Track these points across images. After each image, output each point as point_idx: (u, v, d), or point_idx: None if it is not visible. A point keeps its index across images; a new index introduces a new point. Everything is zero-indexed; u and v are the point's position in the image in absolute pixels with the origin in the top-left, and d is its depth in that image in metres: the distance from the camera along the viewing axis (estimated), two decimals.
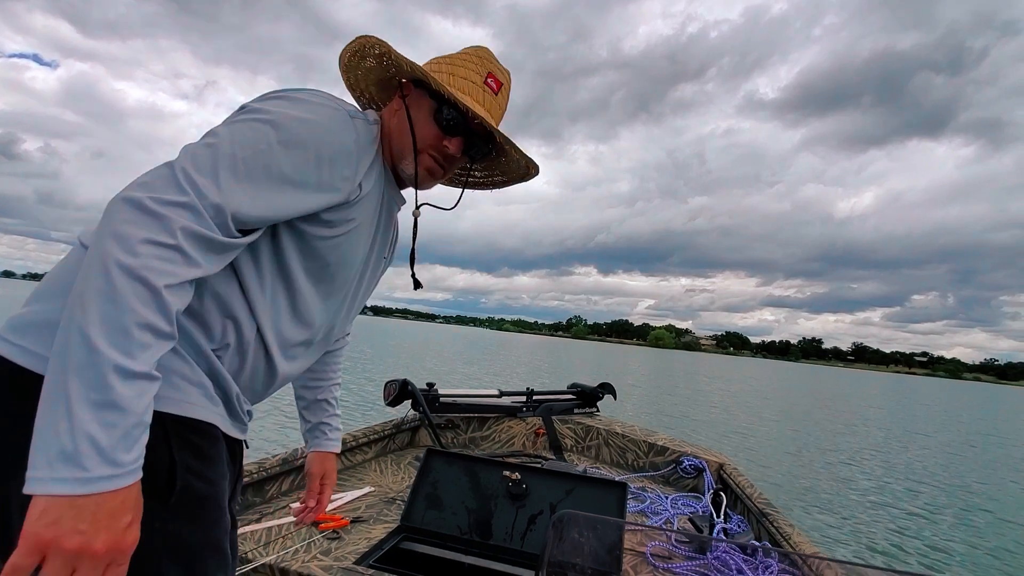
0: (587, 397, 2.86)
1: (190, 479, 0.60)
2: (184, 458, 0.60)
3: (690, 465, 2.14)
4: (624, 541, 1.35)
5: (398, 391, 2.24)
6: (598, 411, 2.89)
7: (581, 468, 2.21)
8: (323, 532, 1.36)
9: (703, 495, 1.94)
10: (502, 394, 2.66)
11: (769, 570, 1.28)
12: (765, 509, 1.59)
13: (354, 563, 1.20)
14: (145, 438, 0.52)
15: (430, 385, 2.41)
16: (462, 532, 1.44)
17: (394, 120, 0.81)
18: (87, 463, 0.47)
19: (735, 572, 1.28)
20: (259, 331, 0.69)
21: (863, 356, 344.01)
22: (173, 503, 0.59)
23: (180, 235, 0.54)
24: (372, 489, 1.74)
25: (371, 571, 1.17)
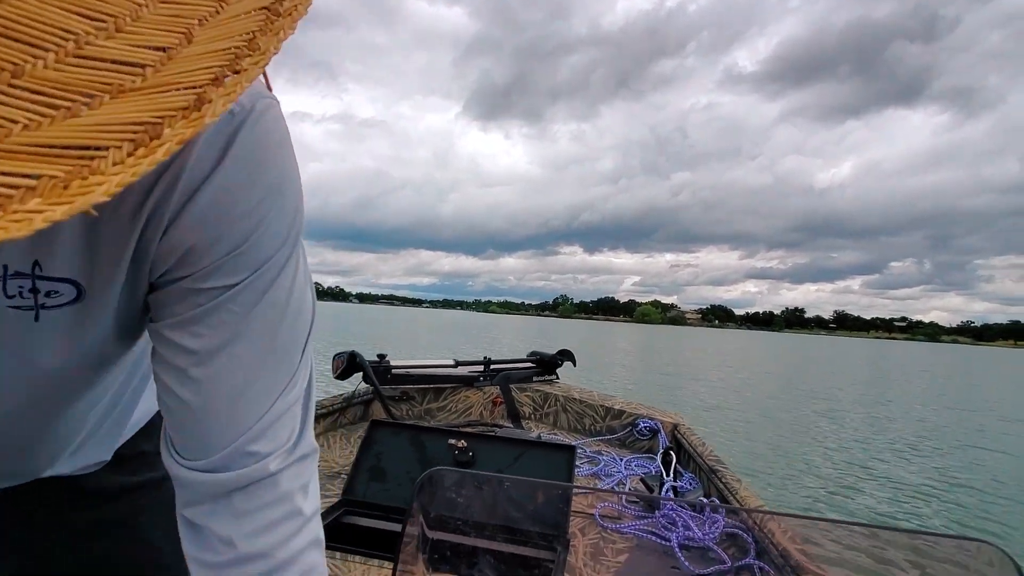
0: (546, 365, 2.83)
1: None
2: None
3: (645, 427, 2.14)
4: (572, 503, 1.33)
5: (347, 363, 2.15)
6: (557, 378, 2.87)
7: (536, 434, 2.19)
8: None
9: (656, 455, 1.94)
10: (458, 364, 2.60)
11: (716, 525, 1.27)
12: (715, 466, 1.60)
13: None
14: None
15: (381, 356, 2.33)
16: (407, 504, 1.39)
17: None
18: None
19: (682, 528, 1.27)
20: None
21: (844, 323, 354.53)
22: None
23: None
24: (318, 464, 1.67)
25: None
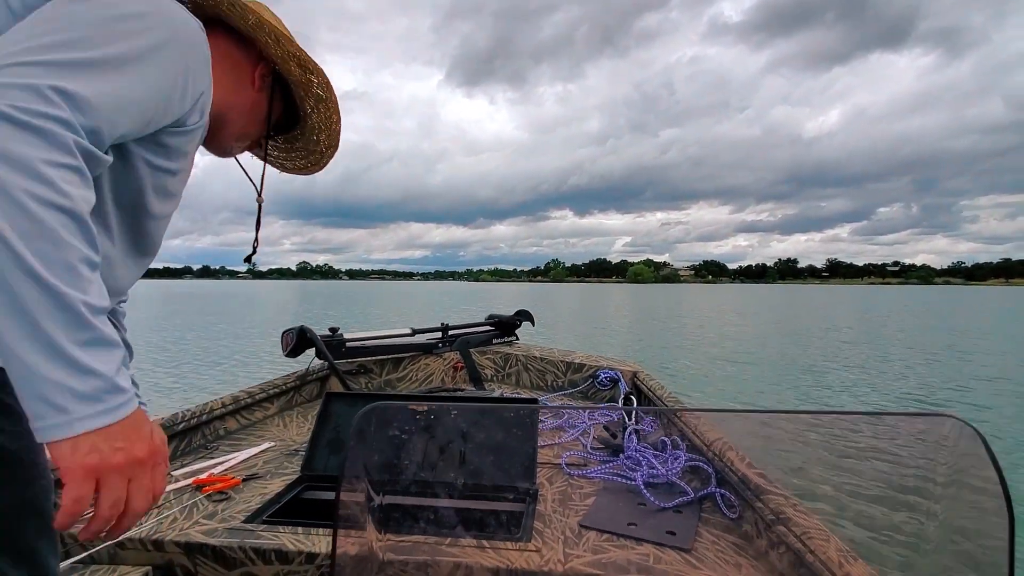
0: (505, 327, 2.82)
1: None
2: None
3: (606, 377, 2.17)
4: (539, 455, 1.33)
5: (296, 340, 2.06)
6: (517, 339, 2.87)
7: (499, 393, 2.19)
8: (208, 495, 1.22)
9: (618, 407, 1.98)
10: (415, 332, 2.55)
11: (677, 460, 1.30)
12: (674, 406, 1.64)
13: (243, 521, 1.09)
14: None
15: (333, 330, 2.25)
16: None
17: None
18: (104, 397, 0.49)
19: (646, 467, 1.29)
20: None
21: (837, 271, 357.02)
22: None
23: (77, 153, 0.49)
24: (272, 444, 1.61)
25: (263, 526, 1.06)
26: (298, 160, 1.02)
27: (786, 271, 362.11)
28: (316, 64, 0.85)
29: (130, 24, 0.55)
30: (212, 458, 1.47)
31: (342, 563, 0.53)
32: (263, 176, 0.91)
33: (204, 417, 1.59)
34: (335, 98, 0.91)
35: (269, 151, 0.95)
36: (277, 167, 1.03)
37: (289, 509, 1.23)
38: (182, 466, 1.40)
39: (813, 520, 0.92)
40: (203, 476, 1.32)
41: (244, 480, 1.31)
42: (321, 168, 1.02)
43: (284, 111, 0.90)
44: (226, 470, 1.38)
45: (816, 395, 6.56)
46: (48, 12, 0.52)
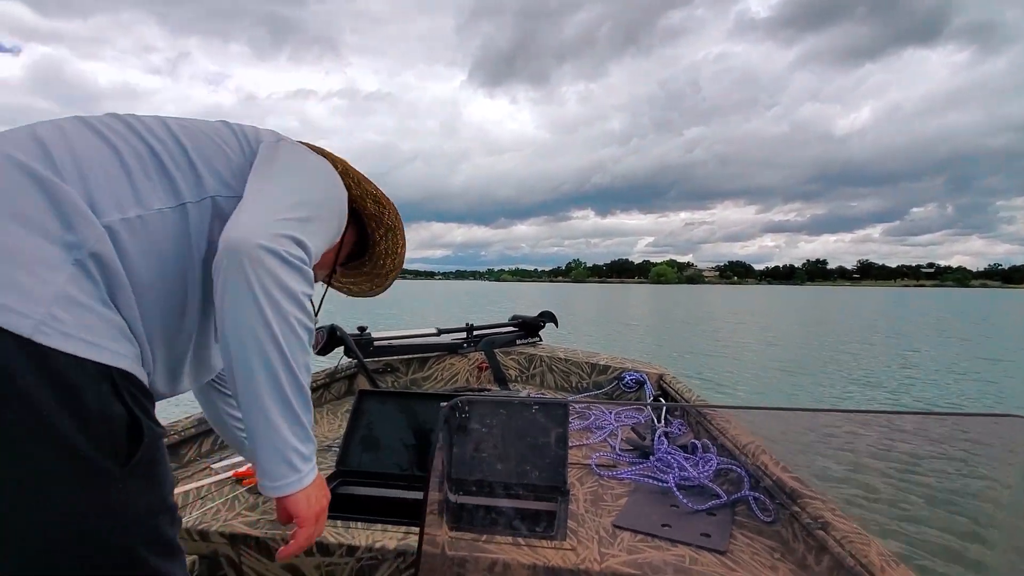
0: (528, 327, 2.83)
1: (149, 435, 0.57)
2: (139, 413, 0.56)
3: (631, 380, 2.17)
4: (569, 456, 1.34)
5: (327, 338, 2.10)
6: (541, 340, 2.88)
7: (526, 394, 2.20)
8: (248, 488, 1.26)
9: (645, 406, 1.97)
10: (440, 332, 2.57)
11: (709, 463, 1.30)
12: (703, 409, 1.63)
13: None
14: None
15: (362, 329, 2.29)
16: (402, 469, 1.38)
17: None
18: (314, 457, 0.71)
19: (677, 470, 1.29)
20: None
21: (869, 273, 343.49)
22: (133, 464, 0.54)
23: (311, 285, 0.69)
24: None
25: None
26: (363, 284, 1.14)
27: (815, 272, 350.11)
28: (388, 199, 1.00)
29: (329, 194, 0.79)
30: None
31: (427, 560, 0.56)
32: (322, 300, 1.02)
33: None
34: (402, 226, 1.06)
35: (338, 278, 1.07)
36: (344, 292, 1.13)
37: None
38: (221, 459, 1.44)
39: (852, 525, 0.91)
40: (242, 469, 1.35)
41: None
42: (384, 290, 1.15)
43: (355, 241, 1.03)
44: None
45: (855, 397, 6.38)
46: (287, 182, 0.72)
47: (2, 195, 0.52)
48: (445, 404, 0.72)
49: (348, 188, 0.90)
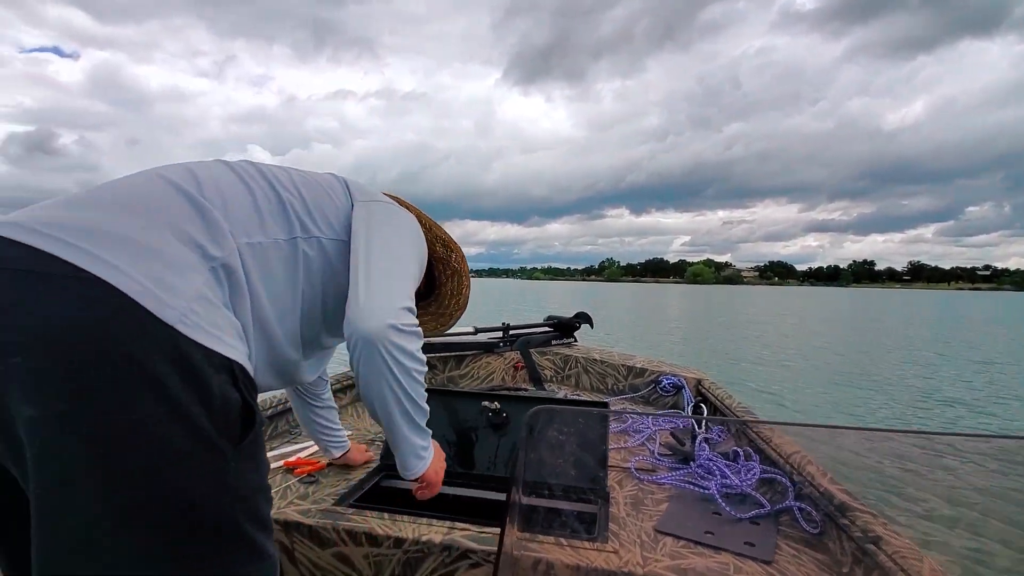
0: (564, 328, 2.84)
1: (257, 421, 0.63)
2: (252, 401, 0.62)
3: (669, 384, 2.15)
4: (609, 459, 1.35)
5: None
6: (576, 340, 2.88)
7: (563, 395, 2.21)
8: (299, 477, 1.31)
9: (683, 411, 1.96)
10: (477, 331, 2.61)
11: (752, 472, 1.29)
12: (744, 417, 1.61)
13: (333, 504, 1.16)
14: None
15: None
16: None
17: None
18: (427, 454, 0.99)
19: (719, 477, 1.28)
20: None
21: (920, 275, 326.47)
22: (244, 445, 0.60)
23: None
24: (350, 432, 1.69)
25: (351, 510, 1.13)
26: (429, 323, 1.23)
27: (862, 273, 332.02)
28: (455, 242, 1.14)
29: (419, 250, 0.96)
30: (296, 443, 1.57)
31: (504, 560, 0.59)
32: None
33: (288, 404, 1.70)
34: (467, 269, 1.17)
35: None
36: None
37: (371, 495, 1.30)
38: (271, 449, 1.50)
39: (904, 540, 0.90)
40: (292, 459, 1.41)
41: (328, 465, 1.39)
42: (448, 328, 1.26)
43: (424, 282, 1.12)
44: (311, 454, 1.48)
45: (903, 413, 6.11)
46: (389, 250, 0.86)
47: (161, 208, 0.63)
48: (532, 410, 0.75)
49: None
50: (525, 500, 1.31)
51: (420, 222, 1.06)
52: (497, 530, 1.05)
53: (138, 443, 0.50)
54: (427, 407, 0.91)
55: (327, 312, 0.85)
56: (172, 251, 0.59)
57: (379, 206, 0.92)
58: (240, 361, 0.60)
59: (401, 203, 1.04)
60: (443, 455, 1.09)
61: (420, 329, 0.83)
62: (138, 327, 0.52)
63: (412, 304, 0.83)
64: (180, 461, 0.53)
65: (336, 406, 1.37)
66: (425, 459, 0.97)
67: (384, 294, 0.80)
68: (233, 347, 0.60)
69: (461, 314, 1.21)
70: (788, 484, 1.21)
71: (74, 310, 0.50)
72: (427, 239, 1.05)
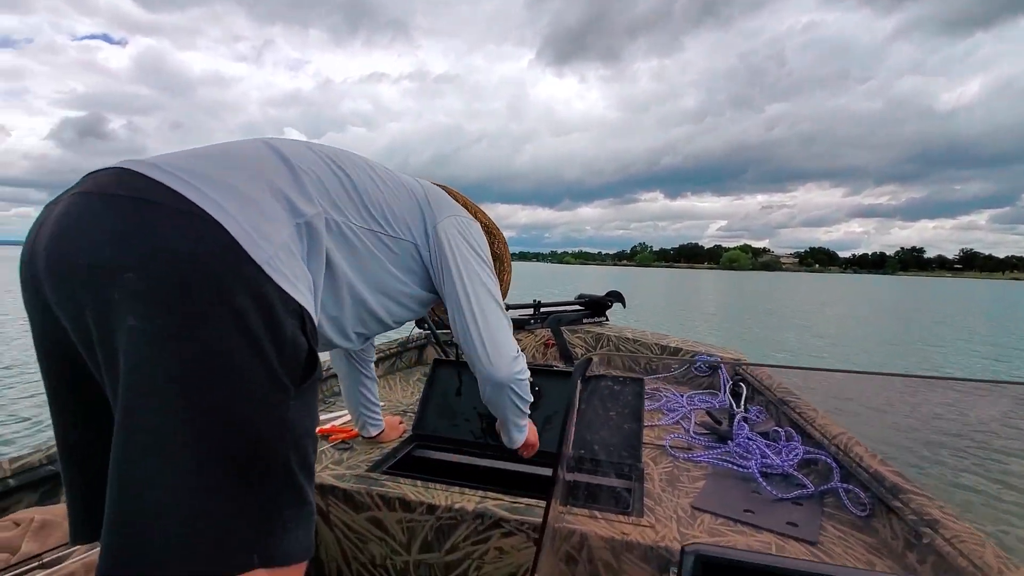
0: (596, 306, 2.80)
1: (319, 368, 0.65)
2: (315, 348, 0.65)
3: (704, 363, 2.10)
4: (643, 436, 1.32)
5: None
6: (607, 320, 2.84)
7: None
8: (333, 444, 1.33)
9: (719, 391, 1.91)
10: (508, 308, 2.59)
11: (794, 452, 1.24)
12: (785, 397, 1.55)
13: (367, 470, 1.17)
14: None
15: None
16: (476, 437, 1.41)
17: None
18: (525, 430, 1.21)
19: (759, 457, 1.24)
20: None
21: (972, 263, 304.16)
22: (303, 391, 0.62)
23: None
24: (383, 404, 1.71)
25: (385, 476, 1.14)
26: None
27: (909, 261, 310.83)
28: (498, 228, 1.23)
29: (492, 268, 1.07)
30: (331, 411, 1.59)
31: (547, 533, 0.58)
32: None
33: (325, 372, 1.72)
34: (508, 256, 1.25)
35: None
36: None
37: (404, 463, 1.30)
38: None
39: (963, 524, 0.84)
40: (327, 427, 1.43)
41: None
42: None
43: None
44: (344, 423, 1.49)
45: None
46: (490, 288, 1.02)
47: (262, 166, 0.69)
48: (580, 385, 0.74)
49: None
50: (567, 476, 1.30)
51: (467, 207, 1.15)
52: (530, 501, 1.04)
53: (220, 368, 0.54)
54: (528, 409, 1.14)
55: (389, 297, 0.90)
56: (267, 204, 0.65)
57: (461, 242, 0.99)
58: (309, 310, 0.64)
59: (448, 191, 1.12)
60: (535, 428, 1.28)
61: (525, 364, 1.05)
62: (235, 263, 0.57)
63: (517, 346, 1.05)
64: (252, 392, 0.56)
65: (377, 379, 1.39)
66: (524, 434, 1.21)
67: (502, 352, 1.00)
68: (305, 297, 0.64)
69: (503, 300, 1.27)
70: (833, 465, 1.16)
71: (186, 241, 0.55)
72: None
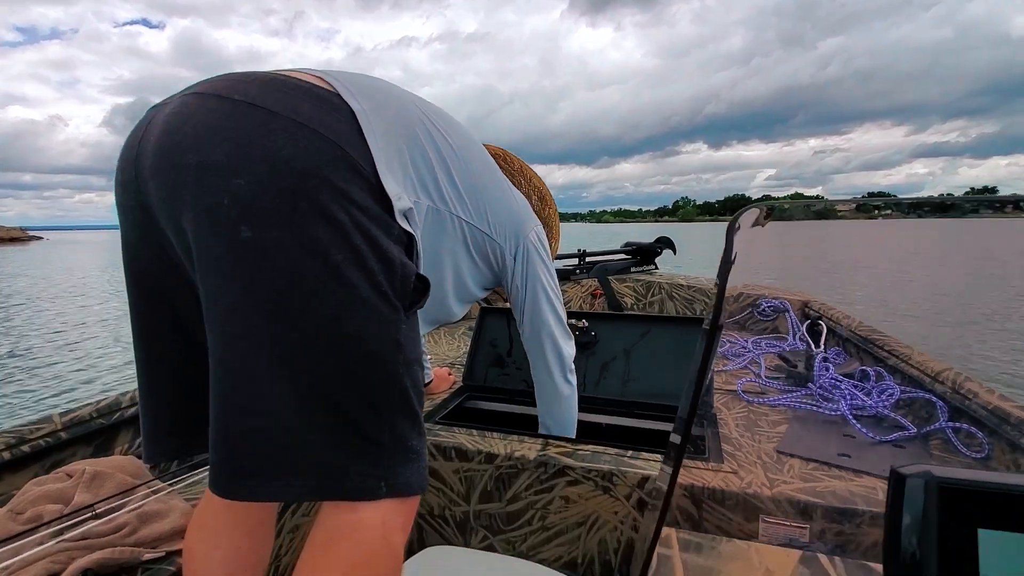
0: (644, 253, 2.65)
1: (427, 292, 0.62)
2: (421, 273, 0.63)
3: (768, 307, 1.95)
4: (713, 381, 1.21)
5: None
6: (656, 267, 2.69)
7: None
8: None
9: (787, 334, 1.76)
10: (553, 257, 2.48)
11: (888, 393, 1.11)
12: (870, 335, 1.40)
13: None
14: None
15: None
16: (529, 386, 1.33)
17: None
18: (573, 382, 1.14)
19: (848, 399, 1.11)
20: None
21: None
22: (411, 313, 0.60)
23: None
24: (430, 357, 1.65)
25: (439, 427, 1.08)
26: None
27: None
28: (549, 194, 1.22)
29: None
30: None
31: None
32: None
33: None
34: (558, 222, 1.25)
35: None
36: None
37: (456, 414, 1.24)
38: None
39: None
40: None
41: None
42: None
43: None
44: None
45: None
46: (553, 294, 1.09)
47: (392, 104, 0.67)
48: (707, 331, 0.61)
49: (519, 185, 1.15)
50: (628, 422, 1.22)
51: (522, 173, 1.18)
52: (595, 448, 0.95)
53: (329, 279, 0.52)
54: (572, 363, 1.12)
55: (464, 290, 0.90)
56: (388, 145, 0.63)
57: (541, 252, 1.03)
58: (417, 238, 0.62)
59: (503, 156, 1.17)
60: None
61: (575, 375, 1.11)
62: (348, 177, 0.54)
63: (573, 364, 1.11)
64: (367, 309, 0.53)
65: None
66: (572, 386, 1.13)
67: (565, 364, 1.09)
68: (412, 226, 0.62)
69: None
70: (939, 403, 1.02)
71: (306, 153, 0.52)
72: (525, 191, 1.15)
